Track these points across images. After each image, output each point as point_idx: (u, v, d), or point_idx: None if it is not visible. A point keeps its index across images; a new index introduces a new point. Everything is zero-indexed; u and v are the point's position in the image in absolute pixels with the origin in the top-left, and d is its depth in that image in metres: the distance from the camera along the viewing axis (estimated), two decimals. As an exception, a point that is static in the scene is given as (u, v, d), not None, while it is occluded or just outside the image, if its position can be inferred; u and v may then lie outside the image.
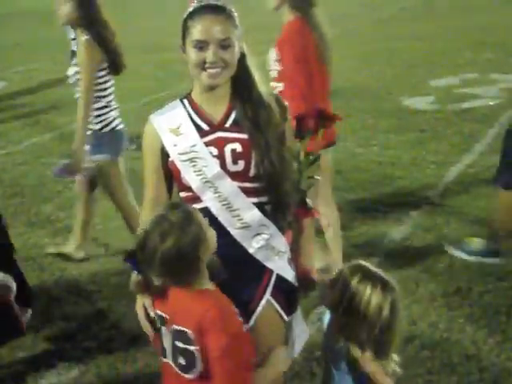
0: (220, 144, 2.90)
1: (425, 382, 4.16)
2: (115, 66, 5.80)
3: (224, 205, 2.92)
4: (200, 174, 2.91)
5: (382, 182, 7.55)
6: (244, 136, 2.90)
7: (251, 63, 3.02)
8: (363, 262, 2.96)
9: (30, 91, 14.23)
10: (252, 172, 2.91)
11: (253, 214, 2.94)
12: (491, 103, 10.27)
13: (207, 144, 2.91)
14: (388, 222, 6.51)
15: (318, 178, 3.14)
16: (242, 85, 2.98)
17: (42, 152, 9.93)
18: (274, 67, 5.26)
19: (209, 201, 2.92)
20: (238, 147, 2.89)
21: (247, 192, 2.93)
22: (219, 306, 2.61)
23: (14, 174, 9.07)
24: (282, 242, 3.03)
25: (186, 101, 3.03)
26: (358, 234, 6.32)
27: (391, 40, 16.55)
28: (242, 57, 2.95)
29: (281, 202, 2.96)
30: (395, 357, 2.84)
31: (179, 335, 2.58)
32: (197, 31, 2.82)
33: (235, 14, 2.91)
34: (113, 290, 5.54)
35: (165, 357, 2.73)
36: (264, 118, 2.91)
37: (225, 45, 2.83)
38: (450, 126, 9.42)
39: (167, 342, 2.67)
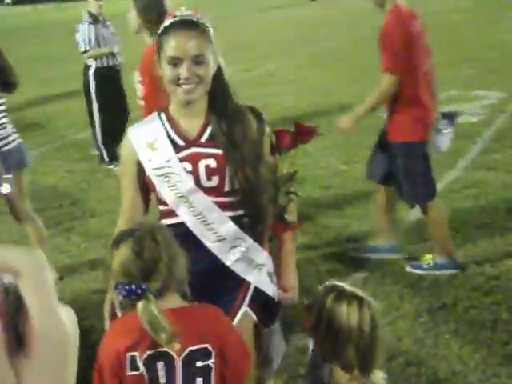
0: (194, 159, 2.91)
1: None
2: (7, 85, 5.78)
3: (199, 219, 2.92)
4: (174, 189, 2.92)
5: (367, 197, 7.41)
6: (219, 151, 2.91)
7: (227, 77, 3.02)
8: (337, 282, 2.91)
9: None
10: (227, 187, 2.93)
11: (228, 227, 2.94)
12: (474, 120, 10.31)
13: (181, 159, 2.92)
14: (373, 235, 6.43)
15: (299, 193, 3.10)
16: (217, 99, 2.99)
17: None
18: (138, 87, 5.44)
19: (184, 215, 2.94)
20: (212, 163, 2.90)
21: (222, 206, 2.94)
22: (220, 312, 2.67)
23: None
24: (260, 255, 3.02)
25: (163, 115, 3.03)
26: (344, 249, 6.29)
27: (373, 58, 16.61)
28: (219, 70, 2.96)
29: (258, 215, 2.97)
30: (382, 374, 2.79)
31: (198, 354, 2.51)
32: (170, 48, 2.83)
33: (210, 29, 2.93)
34: (95, 309, 5.35)
35: None
36: (239, 133, 2.91)
37: (198, 61, 2.83)
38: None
39: (177, 373, 2.52)
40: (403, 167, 5.64)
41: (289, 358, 4.37)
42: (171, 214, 2.99)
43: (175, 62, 2.82)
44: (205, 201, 2.92)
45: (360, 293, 2.81)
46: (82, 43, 9.26)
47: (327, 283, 2.94)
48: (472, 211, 6.87)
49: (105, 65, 9.32)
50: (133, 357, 2.45)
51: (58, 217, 7.72)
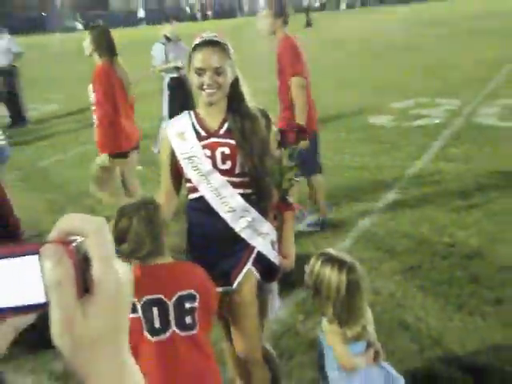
0: (213, 147, 3.04)
1: (385, 338, 4.09)
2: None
3: (215, 194, 3.03)
4: (196, 170, 3.05)
5: (353, 182, 7.72)
6: (232, 141, 3.02)
7: (243, 85, 3.12)
8: (328, 249, 3.01)
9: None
10: (237, 170, 3.03)
11: (237, 201, 3.03)
12: (437, 121, 10.43)
13: (203, 146, 3.04)
14: (358, 213, 6.59)
15: (298, 180, 3.15)
16: (234, 101, 3.08)
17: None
18: (91, 95, 6.19)
19: (204, 190, 3.05)
20: (227, 150, 3.02)
21: (233, 184, 3.04)
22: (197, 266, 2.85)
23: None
24: (265, 226, 3.10)
25: (192, 112, 3.17)
26: (335, 222, 6.43)
27: (359, 71, 16.67)
28: (236, 80, 3.06)
29: (262, 194, 3.05)
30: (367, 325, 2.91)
31: (187, 298, 2.63)
32: (197, 61, 2.96)
33: (229, 47, 3.05)
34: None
35: (160, 333, 2.63)
36: (249, 128, 3.01)
37: (218, 71, 2.94)
38: (405, 139, 9.56)
39: (170, 314, 2.61)
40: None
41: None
42: (195, 189, 3.09)
43: (200, 72, 2.93)
44: (220, 179, 3.02)
45: (344, 258, 2.91)
46: (155, 59, 9.45)
47: (321, 250, 3.07)
48: (434, 193, 6.99)
49: (174, 75, 9.45)
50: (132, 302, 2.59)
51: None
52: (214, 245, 3.08)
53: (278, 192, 3.12)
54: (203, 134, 3.08)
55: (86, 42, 6.38)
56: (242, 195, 3.05)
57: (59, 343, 0.70)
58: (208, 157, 3.02)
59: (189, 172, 3.08)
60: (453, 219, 6.27)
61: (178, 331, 2.61)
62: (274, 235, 3.15)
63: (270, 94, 7.13)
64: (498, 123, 9.96)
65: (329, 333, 2.90)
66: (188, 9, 66.69)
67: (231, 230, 3.04)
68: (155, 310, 2.59)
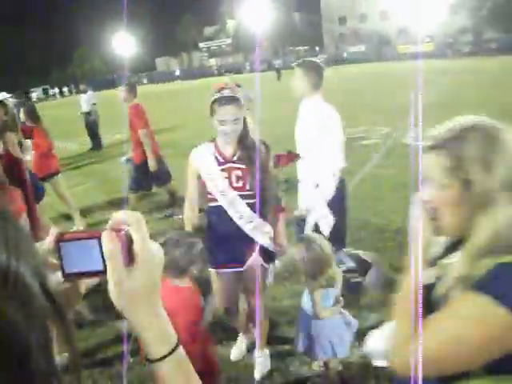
0: (229, 171, 2.90)
1: None
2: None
3: (230, 205, 2.91)
4: (216, 187, 2.92)
5: None
6: (243, 166, 2.88)
7: (249, 123, 2.99)
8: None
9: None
10: (247, 187, 2.89)
11: (246, 211, 2.90)
12: (376, 141, 10.47)
13: (222, 170, 2.89)
14: None
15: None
16: (243, 137, 2.91)
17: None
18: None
19: (221, 201, 2.92)
20: (239, 173, 2.89)
21: (244, 197, 2.90)
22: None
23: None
24: (266, 227, 2.99)
25: (212, 143, 2.96)
26: None
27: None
28: (244, 121, 2.89)
29: (264, 202, 2.88)
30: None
31: None
32: (220, 114, 2.77)
33: (242, 101, 2.82)
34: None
35: None
36: (254, 156, 2.84)
37: (236, 122, 2.79)
38: (355, 153, 9.09)
39: None
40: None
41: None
42: (214, 200, 2.95)
43: (222, 123, 2.77)
44: (233, 195, 2.89)
45: (304, 236, 2.99)
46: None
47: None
48: (373, 190, 7.02)
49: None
50: None
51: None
52: (228, 240, 2.96)
53: (275, 199, 2.98)
54: (221, 160, 2.92)
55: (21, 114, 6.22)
56: (249, 204, 2.91)
57: (113, 297, 0.73)
58: (226, 178, 2.89)
59: (210, 188, 2.95)
60: (387, 207, 6.26)
61: None
62: (271, 232, 3.02)
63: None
64: (415, 142, 9.87)
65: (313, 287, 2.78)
66: (212, 68, 66.85)
67: (242, 230, 2.94)
68: None
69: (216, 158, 2.93)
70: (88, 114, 13.93)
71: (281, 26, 68.95)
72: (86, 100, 14.04)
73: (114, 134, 15.37)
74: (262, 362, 3.33)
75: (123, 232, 0.73)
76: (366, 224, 5.76)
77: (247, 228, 2.93)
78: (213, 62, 72.35)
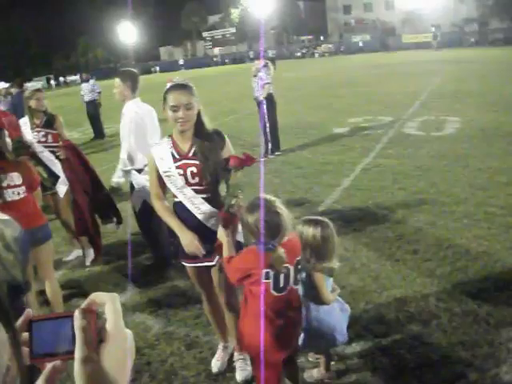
0: (184, 167, 2.83)
1: (340, 278, 4.18)
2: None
3: (189, 202, 2.86)
4: (173, 184, 2.87)
5: (322, 171, 7.66)
6: (198, 162, 2.81)
7: (204, 116, 2.89)
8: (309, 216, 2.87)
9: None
10: (203, 182, 2.82)
11: (206, 207, 2.85)
12: (379, 131, 10.36)
13: (177, 167, 2.83)
14: (324, 194, 6.55)
15: (241, 196, 2.72)
16: (198, 130, 2.85)
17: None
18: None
19: (180, 198, 2.88)
20: (194, 169, 2.81)
21: (199, 192, 2.84)
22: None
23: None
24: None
25: (169, 138, 2.91)
26: (308, 199, 6.36)
27: (324, 98, 16.64)
28: (199, 113, 2.84)
29: (216, 196, 2.84)
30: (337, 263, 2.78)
31: (298, 261, 2.50)
32: (171, 100, 2.75)
33: (194, 88, 2.82)
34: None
35: (283, 290, 2.47)
36: (208, 151, 2.80)
37: (188, 107, 2.75)
38: (357, 143, 9.48)
39: (292, 275, 2.46)
40: None
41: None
42: (175, 196, 2.92)
43: (175, 108, 2.73)
44: (191, 192, 2.84)
45: (321, 218, 2.80)
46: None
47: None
48: (375, 180, 6.98)
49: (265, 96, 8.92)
50: (267, 272, 2.38)
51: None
52: (198, 233, 2.86)
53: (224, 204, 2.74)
54: (177, 156, 2.85)
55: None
56: (204, 199, 2.84)
57: (77, 377, 0.68)
58: (181, 175, 2.82)
59: (168, 185, 2.90)
60: (388, 198, 6.24)
61: (294, 287, 2.50)
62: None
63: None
64: (417, 132, 9.91)
65: (317, 277, 2.73)
66: (214, 58, 66.46)
67: (204, 224, 2.87)
68: (282, 275, 2.41)
69: (172, 154, 2.86)
70: (91, 103, 13.93)
71: (285, 15, 68.49)
72: (88, 89, 14.04)
73: (117, 123, 15.35)
74: (241, 365, 3.16)
75: (96, 311, 0.72)
76: (366, 214, 5.76)
77: (210, 224, 2.86)
78: (216, 51, 72.00)
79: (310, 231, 2.69)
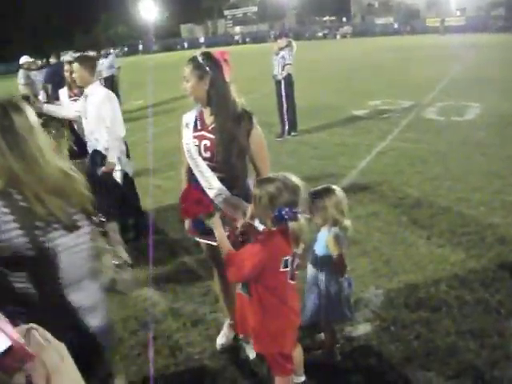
0: (200, 139, 2.74)
1: (350, 260, 4.21)
2: None
3: (200, 173, 2.78)
4: (189, 154, 2.80)
5: (338, 153, 7.58)
6: (212, 137, 2.70)
7: (232, 92, 2.72)
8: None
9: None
10: (215, 158, 2.70)
11: (216, 182, 2.74)
12: (397, 115, 10.20)
13: (195, 137, 2.76)
14: (340, 174, 6.35)
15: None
16: (220, 105, 2.70)
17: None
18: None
19: (194, 170, 2.81)
20: (208, 143, 2.71)
21: (212, 168, 2.74)
22: None
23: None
24: (238, 202, 2.78)
25: (200, 108, 2.82)
26: (328, 174, 6.26)
27: (345, 81, 16.42)
28: (226, 87, 2.70)
29: (231, 177, 2.74)
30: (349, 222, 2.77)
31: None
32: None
33: (198, 62, 2.67)
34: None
35: (295, 278, 2.40)
36: (228, 129, 2.65)
37: (186, 79, 2.68)
38: (375, 126, 9.34)
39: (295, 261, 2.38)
40: None
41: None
42: (190, 167, 2.85)
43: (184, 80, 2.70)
44: (203, 164, 2.75)
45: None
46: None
47: None
48: (391, 163, 6.88)
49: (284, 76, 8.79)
50: (286, 260, 2.28)
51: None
52: None
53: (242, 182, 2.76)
54: (199, 127, 2.78)
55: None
56: (218, 177, 2.74)
57: None
58: (196, 145, 2.75)
59: (185, 155, 2.83)
60: (403, 180, 6.14)
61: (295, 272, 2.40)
62: (245, 207, 2.74)
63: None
64: (436, 117, 9.71)
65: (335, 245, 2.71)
66: (236, 36, 65.81)
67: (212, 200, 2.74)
68: (290, 263, 2.33)
69: (195, 123, 2.80)
70: (109, 78, 13.89)
71: (307, -5, 67.34)
72: (107, 65, 13.99)
73: (136, 99, 15.38)
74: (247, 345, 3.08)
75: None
76: (381, 197, 5.67)
77: (218, 200, 2.75)
78: (237, 30, 71.26)
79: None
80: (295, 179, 2.31)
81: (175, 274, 4.24)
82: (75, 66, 4.55)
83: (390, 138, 8.36)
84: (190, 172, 2.90)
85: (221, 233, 2.43)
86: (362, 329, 3.26)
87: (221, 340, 3.22)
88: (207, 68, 2.66)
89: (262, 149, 2.76)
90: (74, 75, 4.67)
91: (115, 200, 4.08)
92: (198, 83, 2.66)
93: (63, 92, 5.64)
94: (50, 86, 7.79)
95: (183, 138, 2.84)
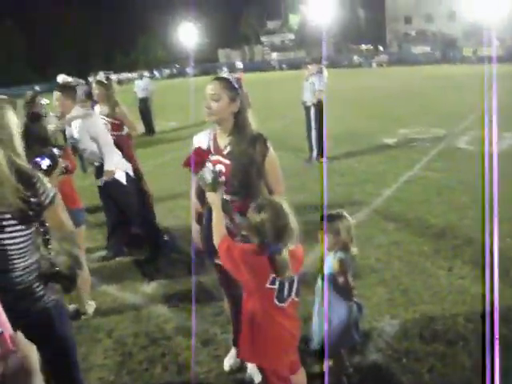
0: (215, 163, 2.62)
1: (367, 290, 4.14)
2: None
3: None
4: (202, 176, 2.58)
5: (365, 180, 7.52)
6: (228, 162, 2.62)
7: (249, 116, 2.66)
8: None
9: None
10: (229, 183, 2.59)
11: (226, 208, 2.59)
12: (427, 144, 10.08)
13: (209, 161, 2.63)
14: (364, 204, 6.39)
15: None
16: (238, 129, 2.64)
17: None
18: None
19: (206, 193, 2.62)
20: (223, 168, 2.61)
21: (226, 192, 2.59)
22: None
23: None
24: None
25: (212, 130, 2.75)
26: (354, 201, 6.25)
27: (378, 108, 16.36)
28: (241, 111, 2.62)
29: (244, 201, 2.59)
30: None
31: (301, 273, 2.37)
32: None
33: (231, 83, 2.58)
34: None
35: (284, 301, 2.32)
36: (244, 155, 2.57)
37: (214, 98, 2.55)
38: (404, 154, 9.26)
39: (295, 286, 2.34)
40: None
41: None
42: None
43: (205, 97, 2.59)
44: None
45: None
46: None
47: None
48: (417, 192, 6.79)
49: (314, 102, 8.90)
50: (274, 277, 2.22)
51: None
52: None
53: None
54: (213, 151, 2.69)
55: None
56: (231, 201, 2.65)
57: None
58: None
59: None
60: (429, 210, 6.03)
61: (295, 298, 2.36)
62: None
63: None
64: (467, 147, 9.55)
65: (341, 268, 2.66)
66: (272, 62, 66.59)
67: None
68: (287, 284, 2.28)
69: (209, 146, 2.71)
70: (143, 100, 14.25)
71: (344, 23, 67.82)
72: (141, 86, 14.38)
73: (170, 121, 15.68)
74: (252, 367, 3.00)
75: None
76: (404, 226, 5.57)
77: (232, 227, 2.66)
78: (274, 56, 72.15)
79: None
80: (286, 207, 2.24)
81: (191, 292, 4.23)
82: (58, 94, 4.54)
83: (418, 166, 8.26)
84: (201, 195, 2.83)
85: (218, 213, 2.37)
86: (372, 359, 3.18)
87: (229, 361, 3.19)
88: (239, 90, 2.60)
89: (276, 172, 2.70)
90: (55, 103, 4.63)
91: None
92: (228, 104, 2.57)
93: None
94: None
95: None
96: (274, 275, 2.24)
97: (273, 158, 2.66)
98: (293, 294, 2.34)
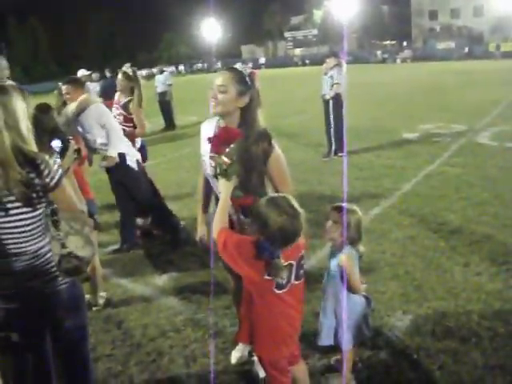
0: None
1: (381, 283, 4.08)
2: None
3: (215, 186, 2.64)
4: (204, 166, 2.71)
5: (383, 175, 7.43)
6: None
7: (257, 113, 2.50)
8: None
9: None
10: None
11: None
12: (448, 139, 9.86)
13: (211, 157, 2.56)
14: (382, 198, 6.30)
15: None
16: (244, 124, 2.49)
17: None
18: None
19: (211, 182, 2.74)
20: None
21: None
22: None
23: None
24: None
25: (220, 121, 2.60)
26: (371, 194, 6.05)
27: (400, 103, 16.13)
28: (249, 105, 2.47)
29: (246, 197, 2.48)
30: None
31: (302, 257, 2.26)
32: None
33: (242, 76, 2.44)
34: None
35: (284, 287, 2.22)
36: (247, 149, 2.40)
37: (221, 90, 2.42)
38: (425, 149, 9.08)
39: (294, 272, 2.23)
40: None
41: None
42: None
43: (213, 87, 2.48)
44: (214, 180, 2.59)
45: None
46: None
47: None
48: (436, 188, 6.64)
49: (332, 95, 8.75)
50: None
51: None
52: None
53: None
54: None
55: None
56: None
57: None
58: (213, 167, 2.54)
59: (203, 166, 2.73)
60: (446, 206, 5.88)
61: (295, 282, 2.26)
62: None
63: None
64: (489, 142, 9.33)
65: (348, 262, 2.59)
66: (295, 58, 66.34)
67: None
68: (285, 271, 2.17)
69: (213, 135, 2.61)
70: (163, 94, 14.29)
71: (368, 19, 67.03)
72: (161, 81, 14.44)
73: (187, 115, 15.72)
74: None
75: None
76: (420, 221, 5.45)
77: (234, 218, 2.62)
78: (298, 51, 71.79)
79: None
80: (295, 203, 2.12)
81: (202, 285, 4.21)
82: (65, 87, 4.65)
83: (438, 162, 8.10)
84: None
85: (224, 203, 2.27)
86: (382, 355, 3.11)
87: (236, 354, 3.15)
88: (250, 84, 2.45)
89: (281, 172, 2.55)
90: (66, 96, 4.71)
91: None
92: (236, 98, 2.43)
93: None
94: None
95: (201, 149, 2.71)
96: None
97: (277, 158, 2.52)
98: (292, 279, 2.24)
